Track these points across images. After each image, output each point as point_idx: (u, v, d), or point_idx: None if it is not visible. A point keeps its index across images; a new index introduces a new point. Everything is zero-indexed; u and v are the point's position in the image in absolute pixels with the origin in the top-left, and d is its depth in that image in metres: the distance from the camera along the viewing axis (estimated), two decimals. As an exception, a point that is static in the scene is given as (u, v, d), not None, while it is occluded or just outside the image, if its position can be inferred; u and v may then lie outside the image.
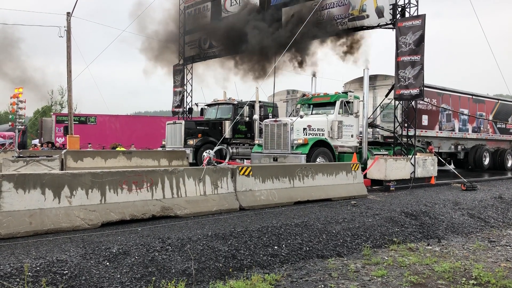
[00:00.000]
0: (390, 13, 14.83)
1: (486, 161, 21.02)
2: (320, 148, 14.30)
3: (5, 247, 5.71)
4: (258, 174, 9.44)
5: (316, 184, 10.49)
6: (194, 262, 5.73)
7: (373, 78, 16.80)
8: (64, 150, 15.12)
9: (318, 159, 14.08)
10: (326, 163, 13.77)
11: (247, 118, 19.04)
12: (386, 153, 16.11)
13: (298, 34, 14.85)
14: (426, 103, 17.31)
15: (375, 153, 15.60)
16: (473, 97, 20.61)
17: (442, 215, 9.67)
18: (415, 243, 7.96)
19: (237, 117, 18.39)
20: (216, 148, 11.43)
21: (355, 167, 11.54)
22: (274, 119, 15.69)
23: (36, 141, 34.71)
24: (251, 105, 19.09)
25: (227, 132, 18.71)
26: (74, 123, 25.33)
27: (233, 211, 8.71)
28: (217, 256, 6.03)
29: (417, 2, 14.33)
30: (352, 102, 15.37)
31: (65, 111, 43.33)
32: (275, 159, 14.46)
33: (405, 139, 14.96)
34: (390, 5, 14.86)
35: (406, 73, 13.89)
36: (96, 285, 4.92)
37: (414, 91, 13.77)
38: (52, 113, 38.69)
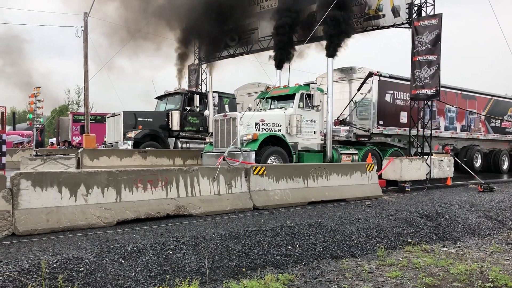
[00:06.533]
0: (406, 13, 14.72)
1: (478, 163, 19.50)
2: (272, 146, 12.84)
3: (23, 244, 5.81)
4: (272, 174, 9.44)
5: (330, 184, 10.45)
6: (208, 261, 5.76)
7: (347, 71, 15.98)
8: (81, 149, 15.31)
9: (270, 158, 12.62)
10: (342, 163, 13.70)
11: (198, 109, 17.45)
12: (356, 152, 15.07)
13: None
14: (404, 99, 16.03)
15: (341, 152, 14.67)
16: (462, 92, 18.91)
17: (458, 217, 9.55)
18: (430, 244, 7.88)
19: (186, 108, 17.04)
20: (230, 147, 11.20)
21: (370, 167, 11.47)
22: (223, 113, 14.34)
23: (53, 140, 35.21)
24: (204, 95, 17.71)
25: (175, 125, 17.07)
26: (90, 122, 25.65)
27: (247, 211, 8.73)
28: (231, 255, 6.05)
29: (433, 1, 14.20)
30: (313, 95, 14.02)
31: (82, 110, 43.86)
32: (224, 159, 13.13)
33: (407, 138, 14.63)
34: (406, 4, 14.74)
35: (422, 73, 13.77)
36: (111, 282, 4.97)
37: (430, 91, 13.65)
38: (69, 112, 39.22)
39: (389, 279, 5.82)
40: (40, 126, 14.11)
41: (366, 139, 15.31)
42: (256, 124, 13.10)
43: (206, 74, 24.00)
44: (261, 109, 14.75)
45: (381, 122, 15.09)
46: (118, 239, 6.08)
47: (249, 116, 12.98)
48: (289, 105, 13.97)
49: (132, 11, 20.56)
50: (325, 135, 14.36)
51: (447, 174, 14.69)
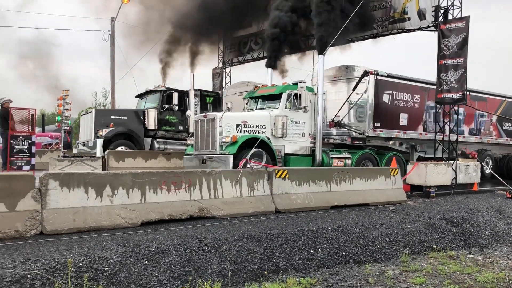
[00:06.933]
0: (432, 16, 14.50)
1: (488, 169, 18.29)
2: (254, 149, 11.88)
3: (50, 243, 5.96)
4: (294, 177, 9.43)
5: (353, 188, 10.37)
6: (230, 263, 5.79)
7: (344, 69, 15.14)
8: (107, 151, 15.58)
9: (250, 162, 11.87)
10: (365, 168, 13.58)
11: (176, 107, 16.55)
12: (349, 156, 14.15)
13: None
14: (404, 100, 15.09)
15: (332, 156, 13.84)
16: (471, 93, 16.98)
17: (485, 223, 9.34)
18: (455, 251, 7.74)
19: (165, 106, 16.22)
20: (253, 150, 11.11)
21: (395, 172, 11.33)
22: (204, 114, 13.52)
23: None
24: (184, 93, 16.70)
25: (152, 124, 16.22)
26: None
27: (269, 214, 8.74)
28: (253, 258, 6.07)
29: (461, 3, 13.96)
30: (300, 94, 13.19)
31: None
32: (203, 162, 12.23)
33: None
34: (432, 7, 14.52)
35: (448, 77, 13.54)
36: (135, 282, 5.05)
37: (457, 95, 13.41)
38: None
39: (413, 285, 5.74)
40: (68, 128, 14.42)
41: (362, 142, 14.36)
42: (237, 125, 12.36)
43: (230, 77, 24.14)
44: (248, 110, 14.10)
45: (377, 124, 14.17)
46: (142, 240, 6.17)
47: (229, 117, 12.38)
48: (275, 106, 13.23)
49: (156, 13, 20.74)
50: (314, 138, 13.59)
51: (474, 180, 14.36)
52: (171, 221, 7.58)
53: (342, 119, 14.50)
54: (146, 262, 5.48)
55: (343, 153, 14.24)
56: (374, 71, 14.32)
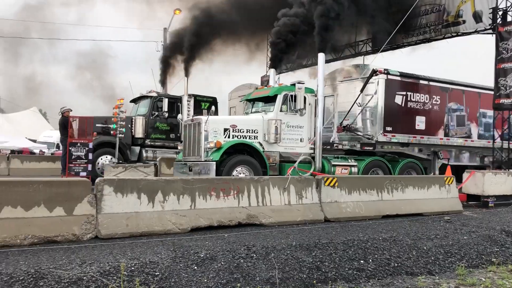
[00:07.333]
0: (490, 18, 13.92)
1: None
2: (239, 155, 11.21)
3: (104, 247, 6.17)
4: (344, 186, 9.27)
5: (406, 197, 10.06)
6: (278, 271, 5.76)
7: (354, 69, 14.20)
8: (159, 158, 15.99)
9: (236, 169, 11.04)
10: (418, 176, 13.12)
11: (166, 114, 15.69)
12: (355, 164, 12.93)
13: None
14: (421, 102, 13.86)
15: (334, 163, 12.74)
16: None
17: (550, 236, 8.77)
18: (517, 265, 7.30)
19: (154, 113, 15.46)
20: (301, 158, 10.98)
21: (449, 180, 10.90)
22: (191, 117, 12.80)
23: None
24: (177, 98, 16.00)
25: (140, 132, 15.58)
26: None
27: (318, 222, 8.63)
28: (301, 267, 6.00)
29: (521, 4, 13.34)
30: (295, 96, 12.03)
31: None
32: (190, 169, 11.39)
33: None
34: (489, 9, 13.94)
35: (507, 81, 12.93)
36: None
37: (517, 100, 12.76)
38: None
39: (470, 300, 5.47)
40: (122, 135, 14.95)
41: (371, 148, 13.14)
42: (225, 130, 11.54)
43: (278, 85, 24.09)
44: (245, 113, 13.42)
45: (388, 129, 13.03)
46: (191, 246, 6.26)
47: (216, 121, 11.64)
48: (270, 109, 12.36)
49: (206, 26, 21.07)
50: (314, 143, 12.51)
51: (538, 190, 13.52)
52: (219, 227, 7.66)
53: (352, 123, 13.41)
54: (196, 267, 5.55)
55: (349, 160, 13.16)
56: (385, 70, 13.20)
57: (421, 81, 13.85)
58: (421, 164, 14.14)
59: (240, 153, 11.32)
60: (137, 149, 15.97)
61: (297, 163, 10.81)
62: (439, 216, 9.93)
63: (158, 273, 5.25)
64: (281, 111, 12.17)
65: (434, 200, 10.48)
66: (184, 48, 17.47)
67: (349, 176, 11.26)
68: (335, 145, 13.81)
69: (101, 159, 15.13)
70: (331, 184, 9.11)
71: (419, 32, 16.64)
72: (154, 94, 16.24)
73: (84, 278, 4.89)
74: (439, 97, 14.20)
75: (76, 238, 6.50)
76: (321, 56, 12.34)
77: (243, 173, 11.08)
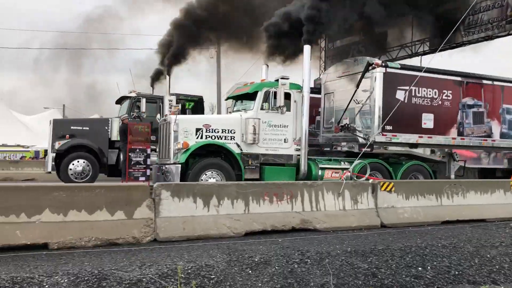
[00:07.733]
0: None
1: None
2: (209, 158, 10.59)
3: (162, 249, 6.37)
4: (401, 190, 9.03)
5: (467, 202, 9.63)
6: (332, 277, 5.70)
7: (352, 63, 12.84)
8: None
9: (205, 173, 10.41)
10: (481, 180, 12.50)
11: (144, 115, 14.63)
12: (348, 167, 11.54)
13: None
14: (429, 97, 12.28)
15: (322, 166, 11.66)
16: None
17: None
18: None
19: (133, 114, 14.56)
20: (356, 162, 10.63)
21: (515, 185, 10.32)
22: (164, 117, 12.25)
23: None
24: (158, 98, 15.19)
25: (116, 134, 14.62)
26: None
27: (374, 228, 8.45)
28: (356, 273, 5.91)
29: None
30: (275, 92, 11.13)
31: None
32: (163, 172, 10.85)
33: None
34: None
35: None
36: (242, 291, 5.19)
37: None
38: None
39: (539, 312, 5.15)
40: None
41: (369, 149, 11.68)
42: (197, 130, 10.80)
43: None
44: (228, 113, 12.78)
45: (388, 128, 11.68)
46: (246, 250, 6.32)
47: (186, 120, 11.03)
48: (250, 107, 11.55)
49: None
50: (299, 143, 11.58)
51: None
52: (273, 232, 7.68)
53: (350, 122, 12.25)
54: (250, 271, 5.60)
55: (342, 163, 11.99)
56: (382, 62, 12.04)
57: (428, 74, 12.21)
58: (430, 167, 12.79)
59: (217, 155, 10.83)
60: (114, 153, 15.01)
61: (351, 167, 10.57)
62: (505, 223, 9.41)
63: (213, 276, 5.35)
64: (262, 109, 11.33)
65: (499, 206, 9.95)
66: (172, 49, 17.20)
67: (407, 181, 10.92)
68: (334, 146, 12.99)
69: (73, 164, 14.01)
70: (388, 189, 8.89)
71: (480, 29, 15.93)
72: (134, 95, 15.54)
73: (144, 279, 5.07)
74: (450, 91, 12.61)
75: (135, 241, 6.75)
76: (306, 48, 11.51)
77: (213, 177, 10.49)
